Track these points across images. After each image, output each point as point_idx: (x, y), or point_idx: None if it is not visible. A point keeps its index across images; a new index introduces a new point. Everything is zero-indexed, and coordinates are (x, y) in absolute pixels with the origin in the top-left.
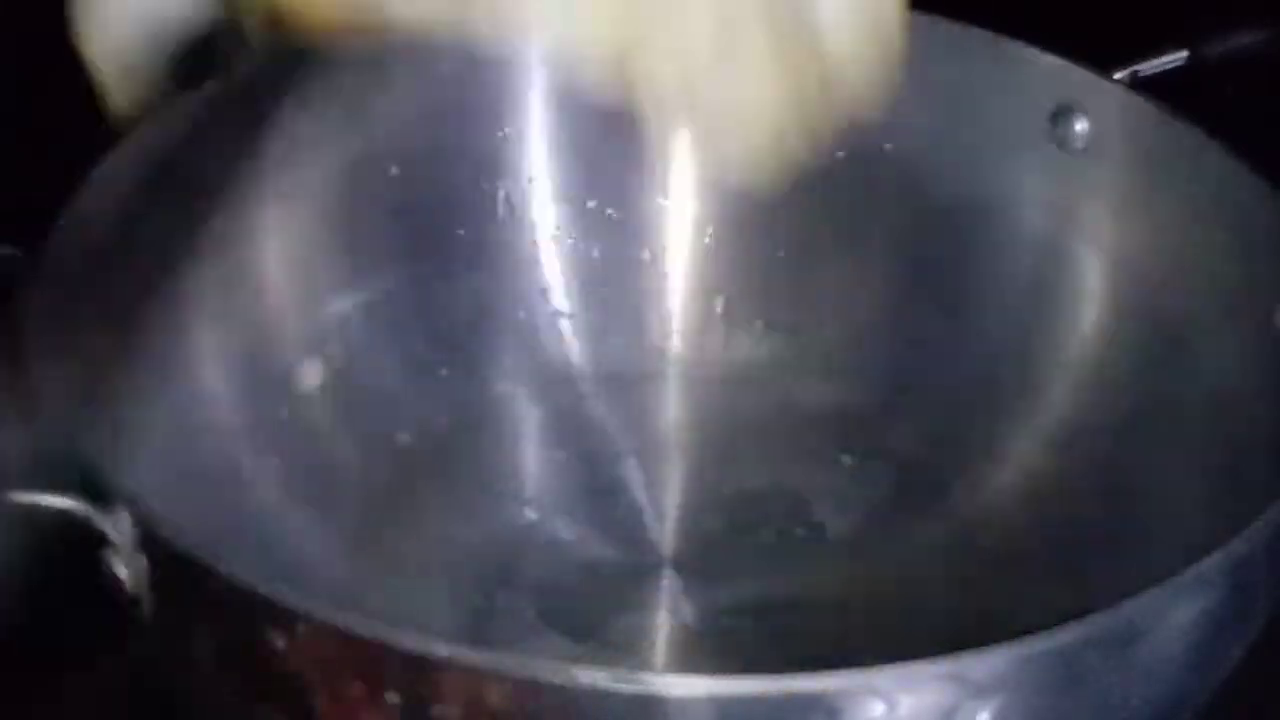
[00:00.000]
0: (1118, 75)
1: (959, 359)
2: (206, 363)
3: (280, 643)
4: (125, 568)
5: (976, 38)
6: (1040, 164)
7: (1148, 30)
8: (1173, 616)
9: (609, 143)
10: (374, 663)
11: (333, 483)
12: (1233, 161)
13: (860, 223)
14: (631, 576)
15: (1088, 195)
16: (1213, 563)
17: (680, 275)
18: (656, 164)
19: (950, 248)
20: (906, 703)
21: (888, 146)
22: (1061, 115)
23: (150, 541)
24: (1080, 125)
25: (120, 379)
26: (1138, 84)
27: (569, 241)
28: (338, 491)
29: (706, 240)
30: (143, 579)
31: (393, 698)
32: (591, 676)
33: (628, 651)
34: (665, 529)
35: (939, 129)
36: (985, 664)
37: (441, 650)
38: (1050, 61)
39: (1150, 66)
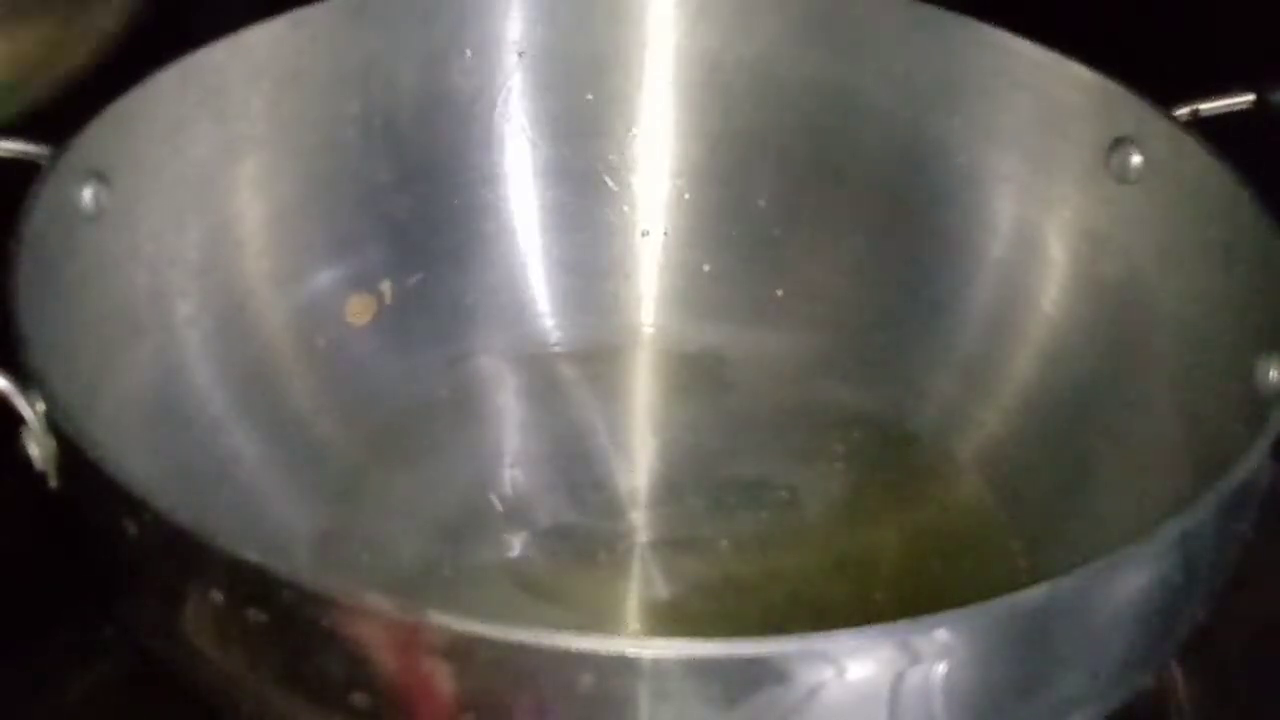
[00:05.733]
0: (1180, 111)
1: (928, 331)
2: (186, 328)
3: (133, 529)
4: (36, 446)
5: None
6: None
7: (1217, 69)
8: (1119, 587)
9: (589, 116)
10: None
11: (310, 448)
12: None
13: (839, 202)
14: (605, 546)
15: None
16: (1161, 534)
17: (661, 252)
18: (636, 138)
19: (929, 227)
20: (853, 667)
21: (880, 129)
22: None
23: (53, 424)
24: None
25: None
26: (1198, 122)
27: (550, 214)
28: (314, 456)
29: (687, 217)
30: (51, 457)
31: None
32: (537, 637)
33: (596, 617)
34: (640, 502)
35: (929, 115)
36: (925, 632)
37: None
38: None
39: (1214, 106)
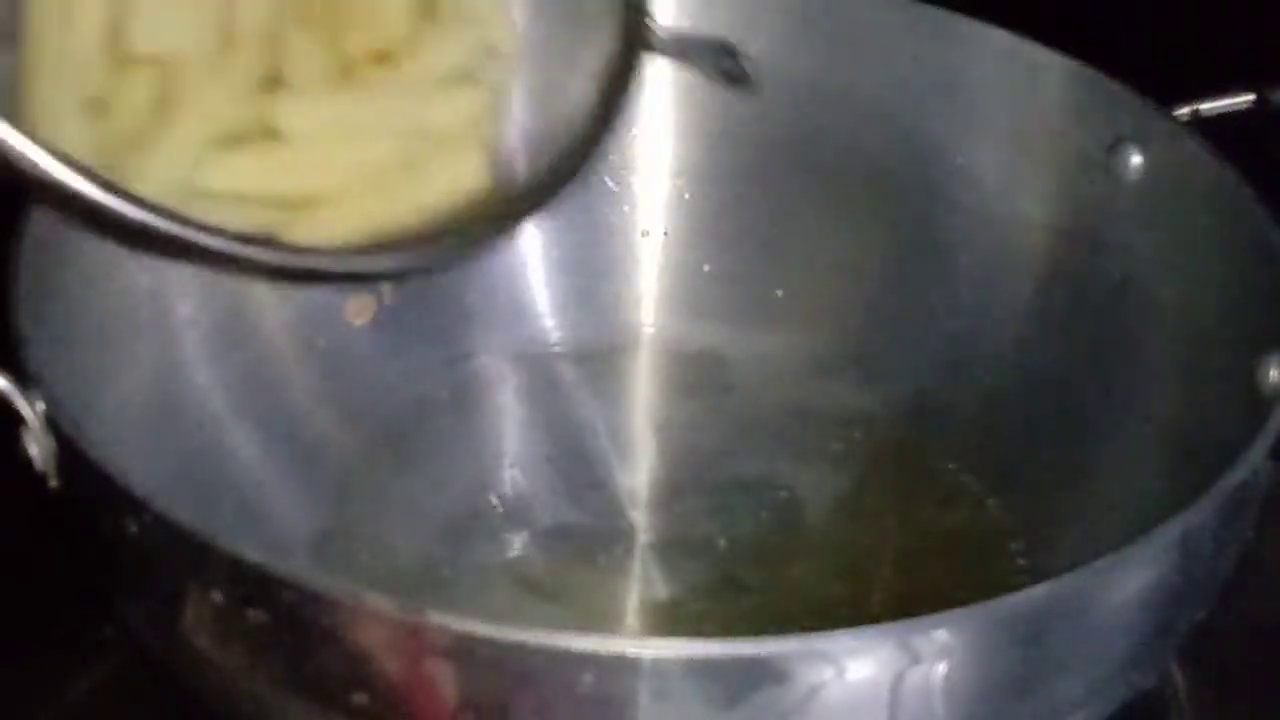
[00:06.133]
0: (1179, 111)
1: (928, 330)
2: (186, 328)
3: (133, 529)
4: (36, 446)
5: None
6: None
7: (1216, 70)
8: (1119, 587)
9: None
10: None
11: (310, 448)
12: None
13: (839, 202)
14: (605, 546)
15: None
16: (1161, 534)
17: (661, 252)
18: (636, 138)
19: (929, 226)
20: (853, 667)
21: (880, 129)
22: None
23: (53, 424)
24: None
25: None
26: (1198, 122)
27: (550, 214)
28: (314, 456)
29: (687, 217)
30: (51, 457)
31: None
32: (537, 637)
33: (596, 617)
34: (640, 502)
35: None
36: (925, 632)
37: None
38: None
39: (1214, 107)
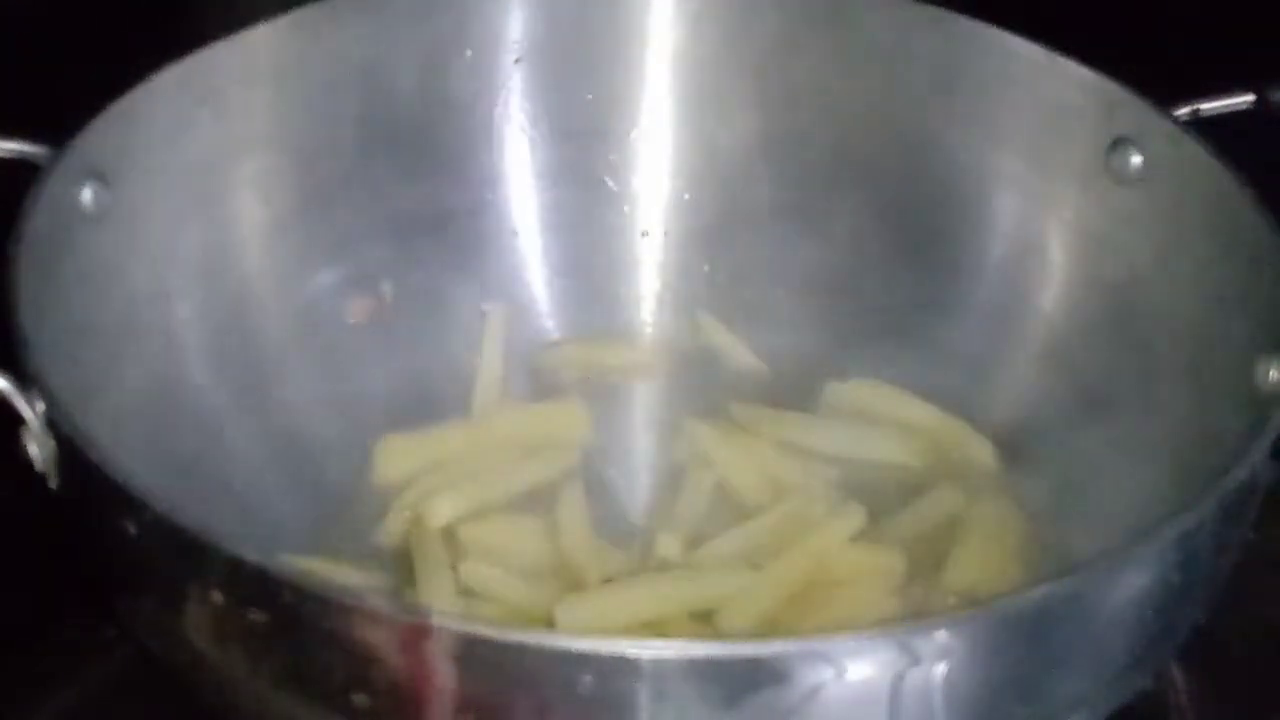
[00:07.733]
0: (1180, 111)
1: (928, 330)
2: (186, 328)
3: (133, 529)
4: (36, 446)
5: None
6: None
7: (1216, 70)
8: (1119, 587)
9: (589, 116)
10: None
11: (310, 448)
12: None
13: (839, 202)
14: (606, 544)
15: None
16: (1161, 534)
17: (661, 252)
18: (636, 139)
19: (930, 227)
20: (853, 668)
21: (881, 129)
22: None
23: (53, 424)
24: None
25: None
26: (1198, 122)
27: (550, 214)
28: (314, 456)
29: (687, 217)
30: (51, 457)
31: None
32: (537, 637)
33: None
34: (640, 502)
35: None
36: (925, 633)
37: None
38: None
39: (1214, 106)
